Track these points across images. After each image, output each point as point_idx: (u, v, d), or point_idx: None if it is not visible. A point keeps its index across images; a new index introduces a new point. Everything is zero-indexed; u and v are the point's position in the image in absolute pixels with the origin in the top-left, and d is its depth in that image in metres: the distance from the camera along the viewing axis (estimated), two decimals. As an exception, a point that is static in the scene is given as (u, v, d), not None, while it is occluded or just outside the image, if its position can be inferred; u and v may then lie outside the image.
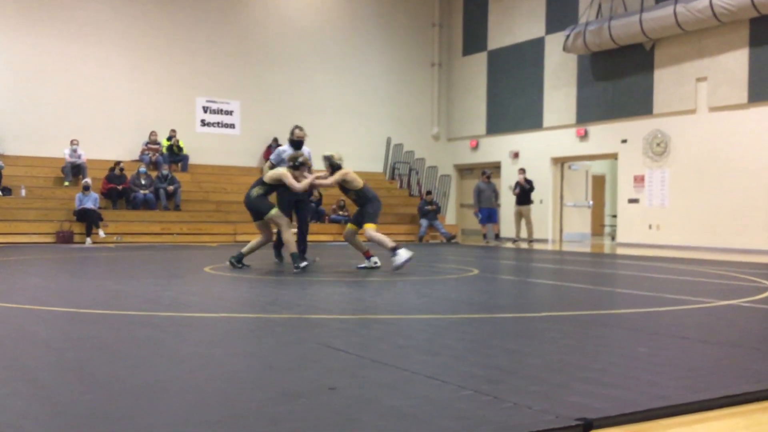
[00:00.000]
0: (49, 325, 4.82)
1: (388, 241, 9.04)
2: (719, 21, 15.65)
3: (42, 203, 16.12)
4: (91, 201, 15.53)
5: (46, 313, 5.37)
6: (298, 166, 9.08)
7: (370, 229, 9.13)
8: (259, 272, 8.96)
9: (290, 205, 9.78)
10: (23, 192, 16.22)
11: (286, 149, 10.04)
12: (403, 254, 8.80)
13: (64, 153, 17.21)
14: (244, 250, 9.24)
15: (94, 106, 18.39)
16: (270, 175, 9.03)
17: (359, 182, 9.27)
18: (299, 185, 9.02)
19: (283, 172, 9.02)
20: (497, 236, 19.20)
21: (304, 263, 8.74)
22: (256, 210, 9.01)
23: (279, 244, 10.13)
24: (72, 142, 17.18)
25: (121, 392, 3.04)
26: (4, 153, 16.97)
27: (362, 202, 9.35)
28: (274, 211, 9.00)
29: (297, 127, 10.29)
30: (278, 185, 9.13)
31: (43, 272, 8.91)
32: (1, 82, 17.43)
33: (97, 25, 18.56)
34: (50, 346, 4.11)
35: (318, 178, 9.30)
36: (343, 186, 9.29)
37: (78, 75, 18.31)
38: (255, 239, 9.35)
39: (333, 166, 9.25)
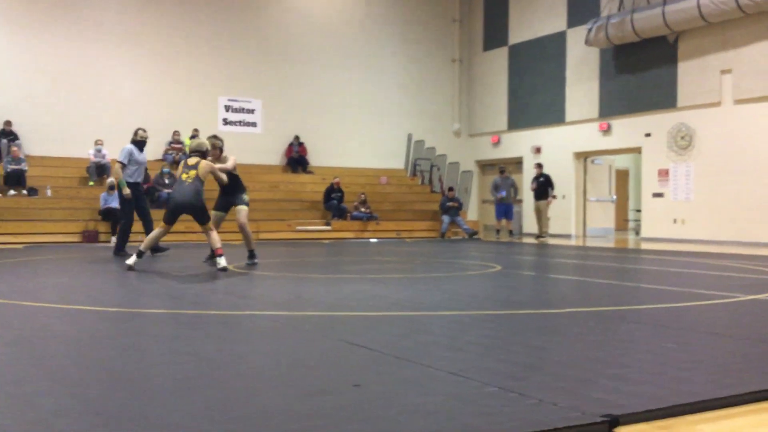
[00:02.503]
0: (77, 324, 4.89)
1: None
2: (744, 12, 15.45)
3: (68, 203, 16.29)
4: (116, 200, 15.65)
5: (74, 311, 5.44)
6: (206, 152, 9.00)
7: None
8: (281, 270, 9.00)
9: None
10: (49, 192, 16.40)
11: (132, 149, 10.82)
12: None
13: (89, 153, 17.38)
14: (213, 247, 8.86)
15: (117, 107, 18.54)
16: (205, 170, 8.81)
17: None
18: (224, 177, 9.06)
19: (212, 164, 8.91)
20: (511, 232, 19.06)
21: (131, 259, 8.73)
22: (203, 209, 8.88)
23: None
24: (96, 143, 17.35)
25: (148, 389, 3.08)
26: (29, 154, 17.17)
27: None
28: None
29: (140, 129, 11.18)
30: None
31: (69, 271, 9.02)
32: (26, 83, 17.64)
33: (121, 27, 18.71)
34: (79, 344, 4.17)
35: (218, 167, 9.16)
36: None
37: (101, 76, 18.48)
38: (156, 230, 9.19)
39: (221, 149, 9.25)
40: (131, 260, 8.63)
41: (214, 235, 8.68)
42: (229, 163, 9.15)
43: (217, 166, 9.05)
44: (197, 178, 8.68)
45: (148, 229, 10.88)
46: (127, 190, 10.78)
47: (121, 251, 10.98)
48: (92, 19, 18.39)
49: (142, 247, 8.88)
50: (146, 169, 11.40)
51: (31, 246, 13.77)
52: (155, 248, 10.91)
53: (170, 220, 8.79)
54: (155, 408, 2.80)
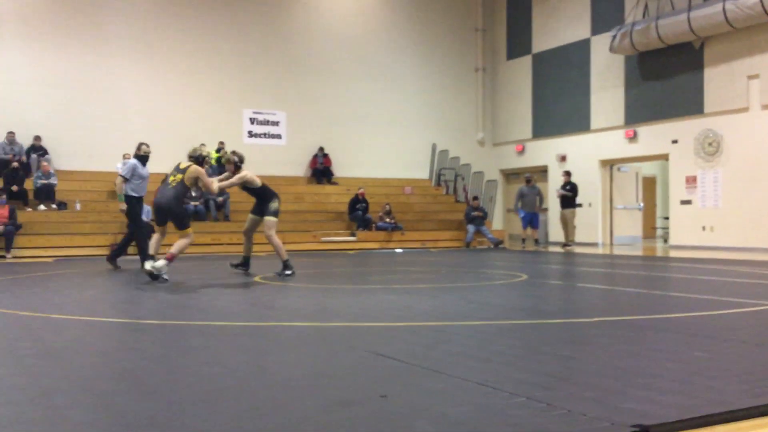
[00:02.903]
0: (106, 336, 4.94)
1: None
2: (770, 17, 15.28)
3: (96, 216, 16.48)
4: (144, 213, 15.79)
5: (102, 324, 5.50)
6: (199, 159, 9.21)
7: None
8: (307, 281, 9.03)
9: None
10: (78, 206, 16.62)
11: (136, 164, 10.85)
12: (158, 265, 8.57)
13: (117, 167, 17.54)
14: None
15: (143, 121, 18.75)
16: (191, 175, 9.00)
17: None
18: (213, 187, 9.28)
19: (201, 171, 9.11)
20: (537, 241, 18.90)
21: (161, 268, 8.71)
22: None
23: (119, 252, 11.78)
24: (124, 156, 17.48)
25: (177, 401, 3.10)
26: (58, 168, 17.41)
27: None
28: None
29: (143, 143, 11.16)
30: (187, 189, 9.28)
31: (98, 284, 9.12)
32: (54, 99, 17.92)
33: (145, 41, 18.96)
34: (107, 356, 4.21)
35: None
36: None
37: (129, 90, 18.72)
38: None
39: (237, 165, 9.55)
40: (160, 264, 8.55)
41: (180, 243, 8.77)
42: (234, 177, 9.43)
43: (222, 179, 9.35)
44: (181, 182, 8.87)
45: (128, 239, 11.51)
46: (123, 205, 11.02)
47: (146, 257, 11.06)
48: (117, 34, 18.64)
49: (151, 251, 9.05)
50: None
51: (60, 259, 13.95)
52: (114, 260, 11.47)
53: (158, 222, 9.09)
54: (183, 419, 2.82)
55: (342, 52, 21.30)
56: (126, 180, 10.84)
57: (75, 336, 4.89)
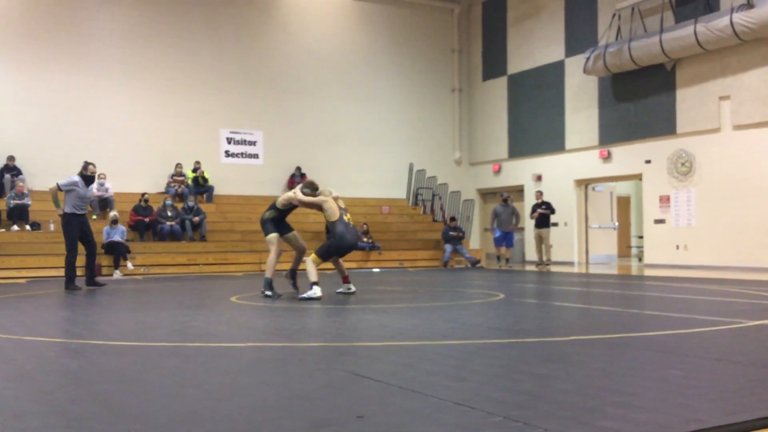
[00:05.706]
0: (80, 358, 4.87)
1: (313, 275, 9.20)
2: (740, 39, 15.56)
3: (70, 237, 16.29)
4: (119, 234, 15.70)
5: (77, 345, 5.43)
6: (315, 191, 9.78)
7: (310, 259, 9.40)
8: (285, 301, 8.99)
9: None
10: (52, 226, 16.42)
11: (77, 180, 10.92)
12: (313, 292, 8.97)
13: (92, 187, 17.42)
14: (268, 274, 9.61)
15: (120, 140, 18.65)
16: (282, 199, 9.97)
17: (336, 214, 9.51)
18: (306, 200, 9.81)
19: (291, 194, 9.89)
20: (507, 261, 18.76)
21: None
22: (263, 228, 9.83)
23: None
24: (99, 176, 17.39)
25: (151, 423, 3.06)
26: (32, 188, 17.23)
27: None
28: (272, 236, 9.82)
29: (90, 163, 11.27)
30: (287, 210, 9.90)
31: (72, 305, 9.01)
32: (29, 118, 17.76)
33: (123, 61, 18.89)
34: (81, 378, 4.15)
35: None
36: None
37: (104, 109, 18.61)
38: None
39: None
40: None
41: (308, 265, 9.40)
42: (317, 198, 9.90)
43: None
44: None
45: (92, 260, 11.35)
46: (60, 210, 10.95)
47: (72, 285, 10.96)
48: (94, 54, 18.57)
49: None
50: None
51: (33, 280, 13.76)
52: (94, 282, 11.30)
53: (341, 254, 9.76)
54: (158, 442, 2.78)
55: (319, 72, 21.38)
56: (59, 189, 10.83)
57: (48, 358, 4.82)
